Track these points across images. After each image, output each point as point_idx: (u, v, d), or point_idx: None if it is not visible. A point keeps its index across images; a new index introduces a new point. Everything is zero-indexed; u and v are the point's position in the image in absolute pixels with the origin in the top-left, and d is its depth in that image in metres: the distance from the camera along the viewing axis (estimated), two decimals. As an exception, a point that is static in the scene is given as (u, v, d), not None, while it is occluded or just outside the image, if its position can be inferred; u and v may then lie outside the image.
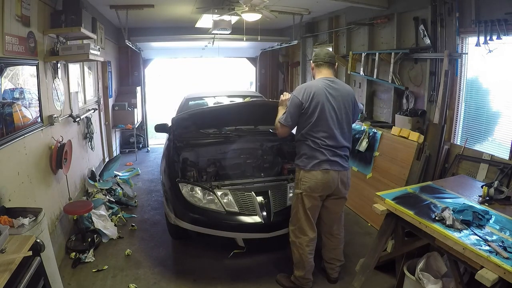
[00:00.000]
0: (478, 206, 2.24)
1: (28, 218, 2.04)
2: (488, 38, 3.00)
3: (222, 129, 4.18)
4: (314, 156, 2.55)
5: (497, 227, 2.00)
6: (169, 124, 4.06)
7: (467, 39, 3.38)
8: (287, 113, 2.61)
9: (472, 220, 2.01)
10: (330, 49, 5.89)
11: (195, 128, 3.97)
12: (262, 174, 3.74)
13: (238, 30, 5.56)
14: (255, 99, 4.32)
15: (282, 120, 2.64)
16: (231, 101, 4.71)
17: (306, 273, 2.70)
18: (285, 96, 2.77)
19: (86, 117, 4.38)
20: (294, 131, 2.82)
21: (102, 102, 5.64)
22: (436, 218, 2.06)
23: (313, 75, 2.78)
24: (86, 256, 3.14)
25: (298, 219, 2.67)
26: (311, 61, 2.79)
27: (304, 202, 2.60)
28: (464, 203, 2.24)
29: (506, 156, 2.97)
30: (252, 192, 3.11)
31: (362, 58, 4.68)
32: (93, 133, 4.58)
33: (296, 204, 2.67)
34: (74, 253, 3.16)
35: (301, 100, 2.54)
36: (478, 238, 1.87)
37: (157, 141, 8.03)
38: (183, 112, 3.79)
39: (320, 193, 2.60)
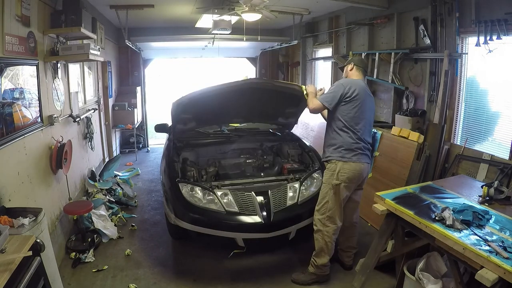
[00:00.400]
0: (478, 206, 2.24)
1: (28, 218, 2.04)
2: (488, 38, 3.00)
3: (222, 128, 4.16)
4: (353, 148, 2.72)
5: (497, 227, 2.00)
6: (169, 124, 4.05)
7: (467, 39, 3.38)
8: (331, 95, 2.73)
9: (472, 220, 2.01)
10: (331, 49, 5.90)
11: (193, 116, 3.86)
12: (262, 174, 3.73)
13: (238, 30, 5.56)
14: (254, 78, 4.25)
15: (323, 99, 2.76)
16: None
17: (328, 259, 2.84)
18: (311, 88, 2.97)
19: (86, 117, 4.38)
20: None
21: (102, 102, 5.64)
22: (436, 218, 2.06)
23: (346, 74, 2.96)
24: (86, 256, 3.14)
25: (330, 208, 2.77)
26: (352, 63, 2.96)
27: (341, 193, 2.74)
28: (464, 203, 2.24)
29: (506, 156, 2.97)
30: (252, 192, 3.11)
31: (362, 58, 4.68)
32: (93, 133, 4.58)
33: (329, 195, 2.77)
34: (74, 253, 3.16)
35: (346, 89, 2.70)
36: (478, 238, 1.87)
37: (157, 141, 8.03)
38: (183, 96, 3.67)
39: (356, 183, 2.80)
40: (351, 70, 2.94)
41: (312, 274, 2.86)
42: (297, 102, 3.61)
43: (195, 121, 3.98)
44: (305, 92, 2.99)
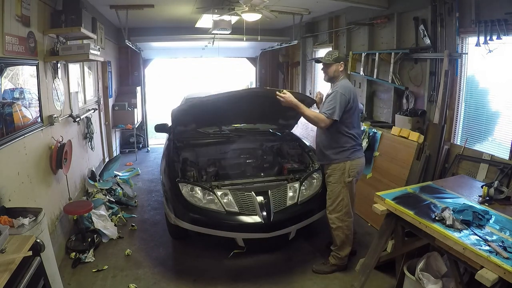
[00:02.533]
0: (478, 206, 2.24)
1: (28, 218, 2.04)
2: (488, 38, 3.00)
3: (222, 128, 4.16)
4: (355, 147, 2.93)
5: (497, 227, 2.00)
6: (169, 124, 4.05)
7: (467, 39, 3.38)
8: (337, 106, 2.77)
9: (472, 220, 2.01)
10: (331, 49, 5.90)
11: (194, 121, 3.89)
12: (262, 174, 3.73)
13: (238, 30, 5.56)
14: (254, 87, 4.30)
15: (330, 113, 2.78)
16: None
17: (350, 249, 3.03)
18: (287, 94, 2.86)
19: (86, 117, 4.38)
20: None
21: (102, 102, 5.64)
22: (436, 218, 2.06)
23: (335, 75, 2.94)
24: (86, 256, 3.14)
25: (346, 205, 2.95)
26: (342, 62, 2.94)
27: (353, 187, 2.97)
28: (464, 203, 2.24)
29: (506, 156, 2.97)
30: (252, 192, 3.11)
31: (362, 58, 4.68)
32: (93, 133, 4.58)
33: (343, 193, 2.93)
34: (74, 253, 3.16)
35: (348, 99, 2.80)
36: (478, 238, 1.87)
37: (157, 141, 8.03)
38: (182, 104, 3.71)
39: (360, 175, 3.04)
40: (342, 69, 2.95)
41: (333, 265, 3.03)
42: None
43: (195, 124, 4.00)
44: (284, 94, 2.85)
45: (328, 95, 2.90)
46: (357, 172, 2.96)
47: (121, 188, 4.72)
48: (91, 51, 3.42)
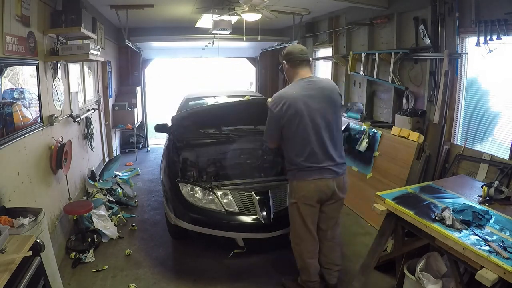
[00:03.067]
0: (478, 206, 2.24)
1: (28, 218, 2.04)
2: (488, 38, 3.00)
3: (222, 129, 4.17)
4: (302, 167, 2.38)
5: (497, 227, 2.00)
6: (169, 124, 4.05)
7: (467, 39, 3.37)
8: (266, 129, 2.47)
9: (472, 220, 2.01)
10: (331, 49, 5.89)
11: (195, 128, 3.94)
12: (262, 174, 3.73)
13: (238, 30, 5.56)
14: (254, 97, 4.32)
15: (266, 136, 2.54)
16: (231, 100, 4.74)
17: (311, 276, 2.62)
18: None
19: (86, 117, 4.38)
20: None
21: (102, 102, 5.64)
22: (436, 218, 2.06)
23: (288, 78, 2.53)
24: (86, 256, 3.14)
25: (295, 227, 2.56)
26: (284, 61, 2.49)
27: (301, 211, 2.47)
28: (464, 203, 2.24)
29: (506, 156, 2.97)
30: (252, 192, 3.11)
31: (362, 58, 4.68)
32: (93, 133, 4.58)
33: (292, 213, 2.55)
34: (74, 253, 3.16)
35: (279, 115, 2.34)
36: (478, 238, 1.87)
37: (157, 141, 8.02)
38: (183, 111, 3.75)
39: (315, 200, 2.45)
40: (288, 71, 2.49)
41: (300, 286, 2.71)
42: None
43: (196, 126, 4.02)
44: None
45: None
46: (303, 195, 2.41)
47: (121, 188, 4.72)
48: (91, 51, 3.42)
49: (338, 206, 2.59)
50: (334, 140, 2.44)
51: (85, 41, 3.96)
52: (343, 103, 5.55)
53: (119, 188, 4.66)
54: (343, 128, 4.80)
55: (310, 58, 2.52)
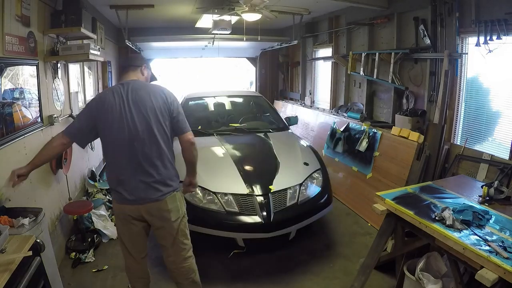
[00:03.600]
0: (478, 206, 2.24)
1: (28, 218, 2.03)
2: (488, 38, 3.00)
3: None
4: (115, 187, 2.09)
5: (497, 227, 2.00)
6: None
7: (467, 39, 3.38)
8: (74, 121, 2.20)
9: (472, 220, 2.01)
10: (331, 49, 5.89)
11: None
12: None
13: (238, 30, 5.56)
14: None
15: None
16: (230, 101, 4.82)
17: None
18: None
19: (86, 117, 4.37)
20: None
21: (102, 102, 5.62)
22: (436, 218, 2.06)
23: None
24: (86, 256, 3.14)
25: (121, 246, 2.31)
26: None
27: (132, 237, 2.20)
28: (464, 203, 2.24)
29: (506, 156, 2.97)
30: (254, 196, 3.09)
31: (362, 58, 4.68)
32: (93, 133, 4.57)
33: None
34: (74, 253, 3.16)
35: (88, 114, 2.09)
36: (478, 238, 1.87)
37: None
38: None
39: (130, 226, 2.15)
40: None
41: None
42: None
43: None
44: None
45: None
46: (118, 218, 2.16)
47: (121, 188, 4.71)
48: (91, 51, 3.42)
49: (166, 233, 2.21)
50: (146, 157, 2.07)
51: (85, 41, 3.96)
52: (343, 103, 5.61)
53: (119, 188, 4.65)
54: (343, 128, 4.84)
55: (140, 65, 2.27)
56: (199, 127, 4.32)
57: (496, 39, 2.95)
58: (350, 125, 4.78)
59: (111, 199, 4.25)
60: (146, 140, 2.01)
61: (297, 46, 6.85)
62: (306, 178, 3.32)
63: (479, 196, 2.42)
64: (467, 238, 1.87)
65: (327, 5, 5.16)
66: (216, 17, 4.72)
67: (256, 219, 2.93)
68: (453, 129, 3.56)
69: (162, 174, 2.06)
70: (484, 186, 2.43)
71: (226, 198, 3.05)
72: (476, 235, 1.90)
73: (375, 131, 4.24)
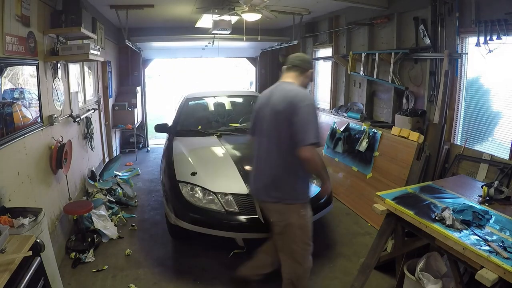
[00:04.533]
0: (478, 206, 2.24)
1: (28, 218, 2.04)
2: (488, 38, 3.00)
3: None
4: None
5: (497, 227, 2.00)
6: (169, 124, 4.08)
7: (467, 39, 3.38)
8: (314, 127, 2.08)
9: (472, 220, 2.01)
10: (331, 49, 5.89)
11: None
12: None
13: (238, 30, 5.56)
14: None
15: (314, 137, 2.05)
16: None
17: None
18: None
19: (86, 117, 4.38)
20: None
21: (102, 102, 5.64)
22: (436, 218, 2.06)
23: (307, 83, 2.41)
24: (86, 256, 3.14)
25: (309, 232, 2.36)
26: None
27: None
28: (464, 203, 2.24)
29: (506, 156, 2.97)
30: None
31: (362, 58, 4.68)
32: (93, 133, 4.58)
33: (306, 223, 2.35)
34: (74, 253, 3.16)
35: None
36: (478, 238, 1.87)
37: (157, 141, 8.03)
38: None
39: None
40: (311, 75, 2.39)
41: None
42: None
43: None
44: None
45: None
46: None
47: (121, 188, 4.72)
48: (91, 51, 3.42)
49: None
50: (270, 159, 2.28)
51: (85, 41, 3.96)
52: (343, 103, 5.60)
53: (119, 188, 4.66)
54: (343, 127, 4.84)
55: (299, 65, 2.31)
56: (199, 127, 4.34)
57: (496, 39, 2.95)
58: (350, 125, 4.78)
59: (111, 199, 4.26)
60: None
61: (297, 46, 6.84)
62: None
63: (479, 196, 2.42)
64: (467, 238, 1.87)
65: (327, 5, 5.16)
66: (216, 17, 4.72)
67: (256, 219, 2.93)
68: (453, 129, 3.56)
69: None
70: (484, 186, 2.43)
71: (226, 198, 3.05)
72: (476, 235, 1.90)
73: (375, 131, 4.24)
